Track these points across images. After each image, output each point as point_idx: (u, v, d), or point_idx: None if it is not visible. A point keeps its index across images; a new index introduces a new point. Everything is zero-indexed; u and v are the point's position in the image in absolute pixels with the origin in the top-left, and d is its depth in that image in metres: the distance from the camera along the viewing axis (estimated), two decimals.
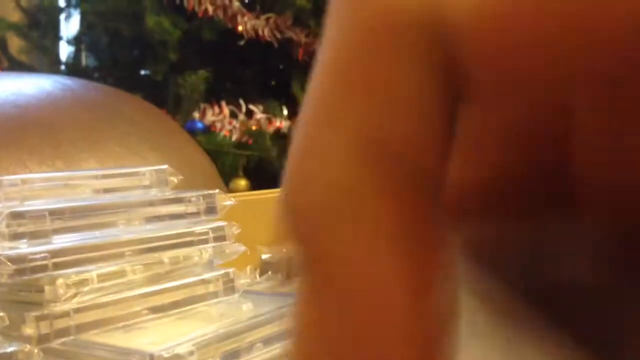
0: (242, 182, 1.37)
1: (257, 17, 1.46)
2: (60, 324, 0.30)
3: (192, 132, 1.32)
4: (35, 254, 0.31)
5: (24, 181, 0.38)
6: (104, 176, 0.42)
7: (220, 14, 1.44)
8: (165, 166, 0.43)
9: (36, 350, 0.30)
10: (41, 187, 0.40)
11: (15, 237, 0.33)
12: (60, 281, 0.31)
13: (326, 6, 0.14)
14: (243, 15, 1.45)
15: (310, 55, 1.49)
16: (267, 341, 0.33)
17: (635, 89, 0.12)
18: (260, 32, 1.45)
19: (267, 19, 1.46)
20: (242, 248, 0.38)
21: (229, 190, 1.30)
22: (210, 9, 1.43)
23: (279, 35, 1.47)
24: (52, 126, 0.80)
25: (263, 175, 1.37)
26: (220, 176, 1.05)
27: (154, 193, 0.42)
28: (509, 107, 0.13)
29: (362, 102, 0.13)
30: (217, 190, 0.39)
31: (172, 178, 0.43)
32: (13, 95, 0.81)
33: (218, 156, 1.34)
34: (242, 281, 0.35)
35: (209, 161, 1.03)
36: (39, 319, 0.30)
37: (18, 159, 0.73)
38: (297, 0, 1.42)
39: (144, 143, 0.86)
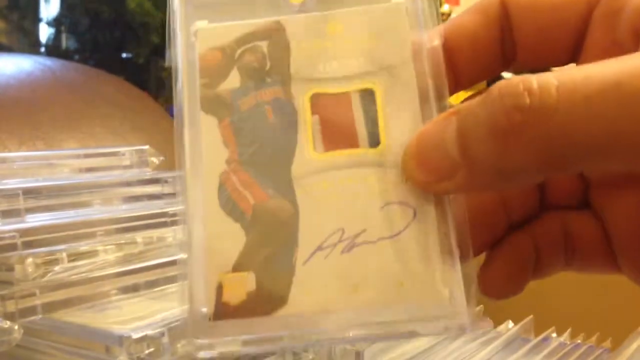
0: None
1: None
2: (27, 302, 0.30)
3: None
4: (5, 232, 0.30)
5: (2, 159, 0.38)
6: (84, 156, 0.42)
7: None
8: (146, 147, 0.43)
9: (16, 327, 0.30)
10: (20, 166, 0.39)
11: None
12: (29, 260, 0.30)
13: None
14: None
15: None
16: None
17: None
18: None
19: None
20: None
21: None
22: None
23: None
24: (32, 107, 0.79)
25: None
26: None
27: (132, 173, 0.42)
28: None
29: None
30: None
31: (152, 159, 0.43)
32: None
33: None
34: None
35: None
36: (4, 297, 0.30)
37: None
38: None
39: (125, 124, 0.86)
